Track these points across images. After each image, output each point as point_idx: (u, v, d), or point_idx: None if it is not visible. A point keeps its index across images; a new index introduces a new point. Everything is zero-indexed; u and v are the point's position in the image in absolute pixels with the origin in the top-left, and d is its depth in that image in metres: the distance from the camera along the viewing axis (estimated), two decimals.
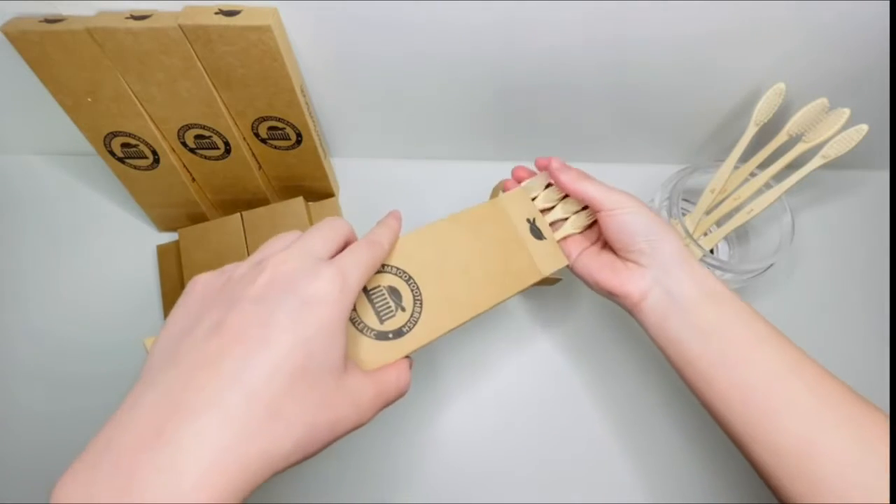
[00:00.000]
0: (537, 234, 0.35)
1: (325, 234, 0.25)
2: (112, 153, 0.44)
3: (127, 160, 0.45)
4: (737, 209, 0.44)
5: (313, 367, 0.21)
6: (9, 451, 0.45)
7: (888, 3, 0.36)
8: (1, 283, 0.50)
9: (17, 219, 0.53)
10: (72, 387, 0.47)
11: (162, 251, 0.50)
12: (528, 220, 0.35)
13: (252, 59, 0.37)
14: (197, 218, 0.50)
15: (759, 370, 0.29)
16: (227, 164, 0.46)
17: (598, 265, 0.35)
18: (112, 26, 0.35)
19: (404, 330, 0.28)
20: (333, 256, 0.25)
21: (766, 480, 0.29)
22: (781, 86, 0.42)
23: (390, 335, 0.27)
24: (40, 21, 0.36)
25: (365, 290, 0.28)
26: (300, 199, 0.49)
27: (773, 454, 0.28)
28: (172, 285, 0.49)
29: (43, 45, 0.36)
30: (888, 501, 0.25)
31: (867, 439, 0.26)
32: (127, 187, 0.48)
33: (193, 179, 0.48)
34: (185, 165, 0.46)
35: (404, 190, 0.54)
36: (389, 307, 0.28)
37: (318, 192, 0.52)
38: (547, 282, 0.35)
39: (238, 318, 0.21)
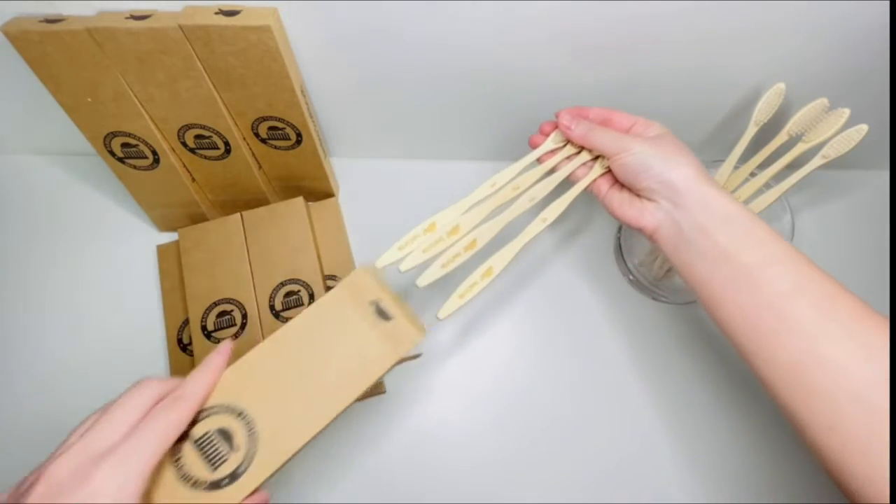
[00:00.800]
0: (384, 315, 0.33)
1: (118, 415, 0.25)
2: (112, 153, 0.44)
3: (127, 160, 0.45)
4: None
5: None
6: (7, 450, 0.45)
7: (888, 3, 0.36)
8: (0, 283, 0.50)
9: (17, 219, 0.53)
10: (71, 387, 0.47)
11: (162, 251, 0.51)
12: (372, 303, 0.33)
13: (252, 59, 0.37)
14: (197, 218, 0.50)
15: (764, 292, 0.30)
16: (227, 164, 0.46)
17: (619, 201, 0.37)
18: (112, 26, 0.35)
19: (239, 471, 0.27)
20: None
21: (766, 391, 0.30)
22: (781, 86, 0.42)
23: (225, 482, 0.27)
24: (40, 21, 0.36)
25: (195, 441, 0.27)
26: (300, 199, 0.49)
27: (771, 367, 0.29)
28: (172, 285, 0.49)
29: (43, 45, 0.36)
30: (886, 408, 0.25)
31: (869, 351, 0.27)
32: (127, 187, 0.48)
33: (193, 179, 0.48)
34: (185, 165, 0.46)
35: (404, 190, 0.54)
36: (219, 452, 0.27)
37: (318, 192, 0.52)
38: (406, 359, 0.34)
39: None
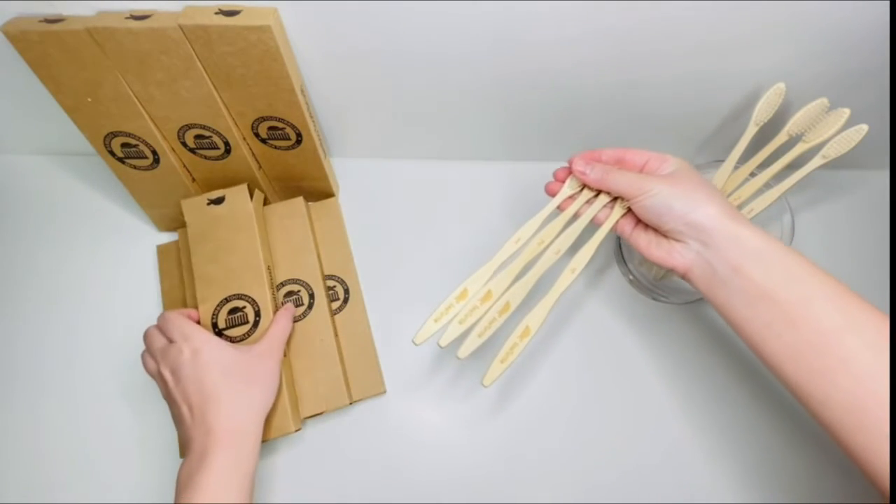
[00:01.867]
0: None
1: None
2: (112, 153, 0.44)
3: (127, 160, 0.45)
4: (737, 209, 0.44)
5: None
6: (7, 448, 0.45)
7: (888, 3, 0.36)
8: (0, 283, 0.50)
9: (17, 219, 0.53)
10: (70, 387, 0.47)
11: (162, 251, 0.51)
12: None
13: (252, 59, 0.37)
14: None
15: (808, 332, 0.29)
16: (227, 163, 0.46)
17: (645, 242, 0.36)
18: (112, 26, 0.35)
19: (257, 319, 0.42)
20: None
21: (826, 432, 0.29)
22: (781, 86, 0.42)
23: (252, 329, 0.42)
24: (40, 21, 0.36)
25: (224, 324, 0.42)
26: (300, 199, 0.50)
27: (828, 409, 0.28)
28: (172, 285, 0.49)
29: (43, 45, 0.36)
30: None
31: None
32: (127, 187, 0.48)
33: (193, 179, 0.48)
34: (185, 165, 0.46)
35: (404, 190, 0.54)
36: (238, 321, 0.42)
37: (318, 192, 0.52)
38: None
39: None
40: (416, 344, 0.36)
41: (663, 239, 0.35)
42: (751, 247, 0.31)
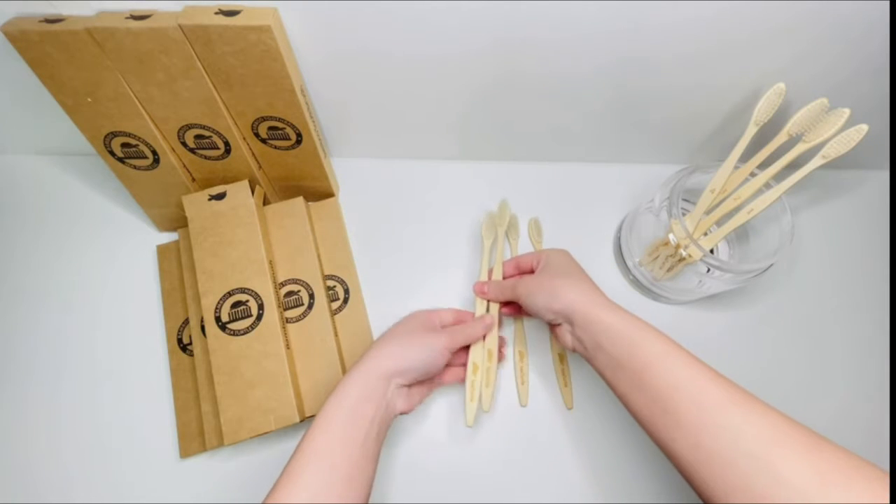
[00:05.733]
0: None
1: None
2: (112, 153, 0.44)
3: (127, 160, 0.45)
4: (737, 209, 0.44)
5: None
6: (8, 446, 0.45)
7: (888, 3, 0.36)
8: (0, 284, 0.50)
9: (17, 219, 0.53)
10: (71, 386, 0.47)
11: (162, 251, 0.51)
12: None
13: (252, 59, 0.37)
14: None
15: (652, 390, 0.32)
16: (227, 163, 0.46)
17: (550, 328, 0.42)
18: (112, 26, 0.35)
19: (260, 312, 0.43)
20: None
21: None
22: (781, 86, 0.42)
23: (255, 322, 0.43)
24: (40, 21, 0.36)
25: (228, 317, 0.43)
26: (300, 199, 0.50)
27: (675, 460, 0.30)
28: (172, 285, 0.49)
29: (43, 45, 0.36)
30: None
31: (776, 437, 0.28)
32: (127, 187, 0.48)
33: (193, 179, 0.48)
34: (185, 165, 0.46)
35: (404, 190, 0.54)
36: (242, 314, 0.43)
37: (318, 192, 0.52)
38: None
39: None
40: (469, 426, 0.41)
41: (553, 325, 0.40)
42: (603, 324, 0.35)
